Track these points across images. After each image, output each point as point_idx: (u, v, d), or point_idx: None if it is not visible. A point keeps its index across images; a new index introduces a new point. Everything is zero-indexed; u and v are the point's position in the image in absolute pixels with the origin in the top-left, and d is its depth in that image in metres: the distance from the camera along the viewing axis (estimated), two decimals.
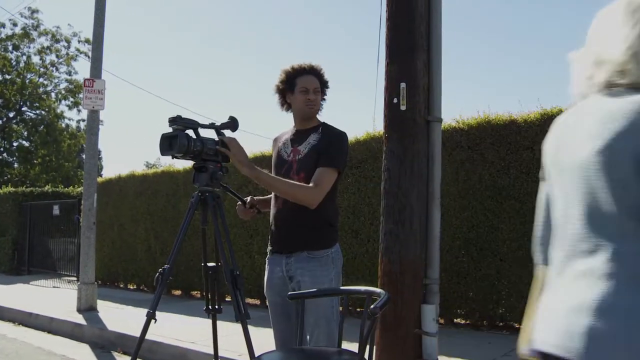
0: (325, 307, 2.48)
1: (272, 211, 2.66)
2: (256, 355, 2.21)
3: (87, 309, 6.86)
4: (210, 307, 2.77)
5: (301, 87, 2.59)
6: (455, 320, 5.60)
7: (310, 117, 2.65)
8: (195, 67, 69.19)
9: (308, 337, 2.52)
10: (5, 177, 25.37)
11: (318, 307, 2.46)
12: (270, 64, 68.45)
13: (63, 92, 27.10)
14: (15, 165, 27.38)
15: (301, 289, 2.47)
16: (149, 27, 61.56)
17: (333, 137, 2.59)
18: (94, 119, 7.26)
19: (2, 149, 26.98)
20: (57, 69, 26.88)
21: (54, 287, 10.06)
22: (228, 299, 2.72)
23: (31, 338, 6.02)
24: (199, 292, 8.21)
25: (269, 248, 2.69)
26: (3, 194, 13.36)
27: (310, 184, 2.46)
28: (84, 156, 9.55)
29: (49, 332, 6.37)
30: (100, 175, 12.23)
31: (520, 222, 5.02)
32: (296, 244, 2.54)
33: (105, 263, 9.80)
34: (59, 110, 27.41)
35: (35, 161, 26.55)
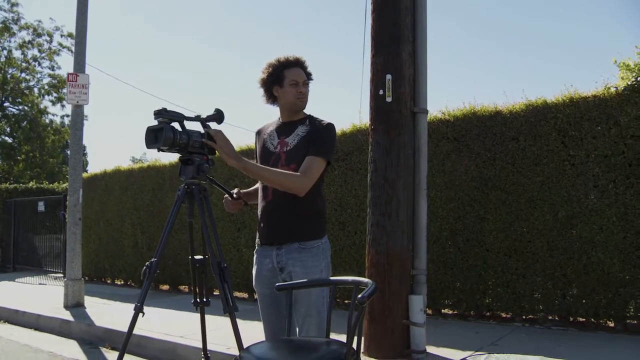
0: (317, 298, 2.49)
1: (261, 204, 2.65)
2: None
3: (75, 305, 6.82)
4: (198, 300, 2.77)
5: (291, 80, 2.59)
6: (442, 310, 5.65)
7: (300, 109, 2.65)
8: (180, 62, 68.74)
9: (298, 328, 2.53)
10: None
11: (310, 298, 2.48)
12: (255, 58, 68.18)
13: (46, 87, 26.75)
14: None
15: (292, 279, 2.48)
16: (133, 23, 60.97)
17: (322, 128, 2.60)
18: (78, 114, 7.18)
19: None
20: (39, 64, 26.50)
21: (40, 284, 9.97)
22: (216, 292, 2.71)
23: (18, 336, 5.97)
24: (187, 286, 8.19)
25: (257, 240, 2.69)
26: None
27: (299, 173, 2.46)
28: (68, 152, 9.45)
29: (35, 329, 6.32)
30: (86, 171, 12.14)
31: (506, 213, 5.06)
32: (287, 235, 2.54)
33: (92, 259, 9.74)
34: (42, 106, 27.06)
35: (18, 157, 26.22)
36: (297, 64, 2.63)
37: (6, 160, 26.45)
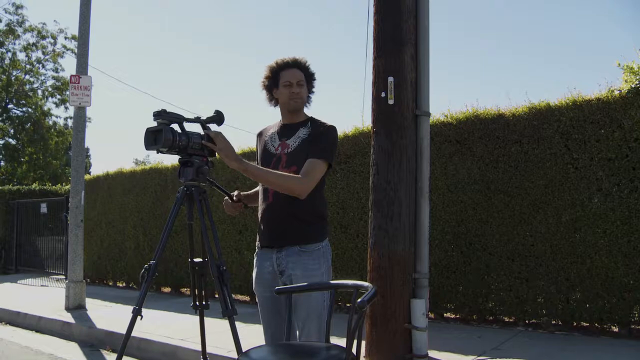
0: (317, 302, 2.47)
1: (262, 206, 2.64)
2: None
3: (76, 307, 6.81)
4: (197, 303, 2.75)
5: (285, 81, 2.59)
6: (445, 314, 5.62)
7: (296, 110, 2.63)
8: (182, 64, 68.87)
9: (298, 332, 2.51)
10: None
11: (310, 302, 2.45)
12: (258, 60, 68.23)
13: (50, 89, 26.87)
14: (2, 163, 27.10)
15: (293, 282, 2.46)
16: (136, 25, 61.14)
17: (323, 130, 2.59)
18: (80, 116, 7.18)
19: None
20: (43, 66, 26.65)
21: (42, 285, 9.96)
22: (217, 295, 2.70)
23: (19, 337, 5.96)
24: (188, 288, 8.17)
25: (258, 243, 2.67)
26: None
27: (300, 175, 2.45)
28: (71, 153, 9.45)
29: (37, 331, 6.31)
30: (89, 173, 12.15)
31: (509, 216, 5.03)
32: (287, 237, 2.52)
33: (93, 261, 9.74)
34: (45, 108, 27.18)
35: (22, 159, 26.31)
36: (294, 64, 2.62)
37: (10, 162, 26.54)
